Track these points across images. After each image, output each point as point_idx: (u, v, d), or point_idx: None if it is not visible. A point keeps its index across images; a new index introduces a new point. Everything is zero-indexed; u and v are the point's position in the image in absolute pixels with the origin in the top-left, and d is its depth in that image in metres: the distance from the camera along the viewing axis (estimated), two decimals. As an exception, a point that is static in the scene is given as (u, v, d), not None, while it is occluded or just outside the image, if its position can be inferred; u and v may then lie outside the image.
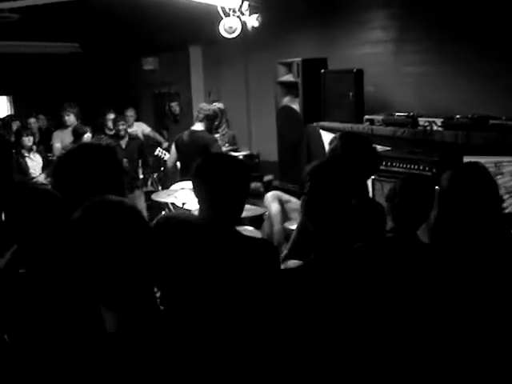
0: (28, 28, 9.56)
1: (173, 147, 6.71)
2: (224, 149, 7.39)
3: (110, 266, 1.53)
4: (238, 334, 2.17)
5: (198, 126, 6.35)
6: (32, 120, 8.67)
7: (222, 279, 2.28)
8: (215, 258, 2.31)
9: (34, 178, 7.47)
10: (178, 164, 6.70)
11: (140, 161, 7.85)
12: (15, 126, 8.55)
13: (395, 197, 2.82)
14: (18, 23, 8.80)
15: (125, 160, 6.87)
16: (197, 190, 2.53)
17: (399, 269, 2.55)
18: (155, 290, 1.83)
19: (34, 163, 7.62)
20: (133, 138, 7.82)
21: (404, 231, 2.75)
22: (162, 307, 1.87)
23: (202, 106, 6.51)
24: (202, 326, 1.77)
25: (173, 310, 1.80)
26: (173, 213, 2.21)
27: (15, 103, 11.71)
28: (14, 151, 7.51)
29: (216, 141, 6.46)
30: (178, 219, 1.92)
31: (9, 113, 11.18)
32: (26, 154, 7.53)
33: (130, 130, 8.87)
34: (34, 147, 7.68)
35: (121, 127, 7.58)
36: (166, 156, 7.53)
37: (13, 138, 8.35)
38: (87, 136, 7.29)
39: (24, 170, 7.42)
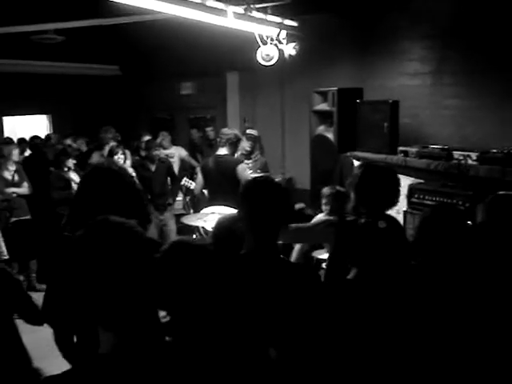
0: (71, 50, 9.80)
1: (199, 174, 6.78)
2: (254, 175, 7.40)
3: (107, 284, 1.53)
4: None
5: (222, 151, 6.41)
6: (80, 141, 9.01)
7: (261, 306, 2.28)
8: (254, 285, 2.32)
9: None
10: (206, 191, 6.77)
11: (169, 180, 7.92)
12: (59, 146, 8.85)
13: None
14: (61, 45, 9.05)
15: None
16: (241, 214, 2.56)
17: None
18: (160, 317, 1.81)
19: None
20: (162, 160, 7.90)
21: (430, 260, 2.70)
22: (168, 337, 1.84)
23: (224, 131, 6.58)
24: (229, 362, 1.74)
25: (185, 340, 1.77)
26: (186, 237, 2.27)
27: (54, 122, 11.97)
28: (52, 169, 7.72)
29: (241, 162, 6.49)
30: (193, 243, 1.94)
31: (48, 131, 11.44)
32: (66, 170, 7.70)
33: (167, 152, 9.00)
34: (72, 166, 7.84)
35: (154, 153, 7.67)
36: (192, 185, 7.60)
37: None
38: (117, 157, 7.48)
39: (69, 183, 7.59)
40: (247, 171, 6.52)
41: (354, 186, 3.48)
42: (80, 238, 1.60)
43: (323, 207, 5.41)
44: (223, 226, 3.28)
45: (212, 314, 1.81)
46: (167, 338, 1.82)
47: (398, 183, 3.48)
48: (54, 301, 2.48)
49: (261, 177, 3.84)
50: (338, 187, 5.48)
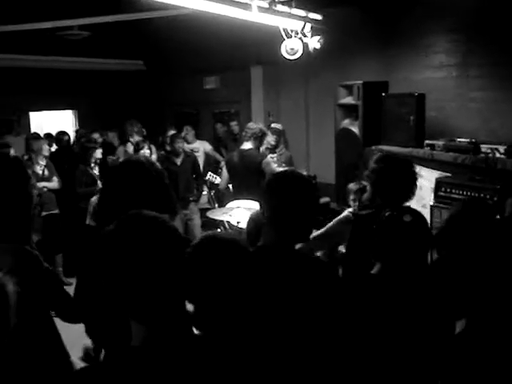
0: (95, 45, 9.87)
1: (224, 169, 6.81)
2: (279, 169, 7.41)
3: (141, 278, 1.54)
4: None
5: (247, 145, 6.44)
6: (112, 135, 9.09)
7: (278, 303, 2.29)
8: (270, 281, 2.33)
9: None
10: (231, 186, 6.80)
11: (194, 176, 7.98)
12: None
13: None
14: (86, 41, 9.11)
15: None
16: (264, 208, 2.56)
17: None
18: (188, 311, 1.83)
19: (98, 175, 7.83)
20: (188, 154, 7.95)
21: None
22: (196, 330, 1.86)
23: (249, 125, 6.61)
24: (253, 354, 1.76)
25: (213, 333, 1.79)
26: (218, 232, 2.29)
27: (80, 117, 12.09)
28: (80, 165, 7.79)
29: (265, 156, 6.50)
30: (224, 238, 1.95)
31: (74, 127, 11.56)
32: (93, 166, 7.76)
33: (191, 146, 9.03)
34: (101, 156, 7.91)
35: (177, 145, 7.72)
36: (217, 180, 7.64)
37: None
38: (143, 152, 7.55)
39: (95, 180, 7.65)
40: (273, 165, 6.52)
41: (372, 178, 3.50)
42: (113, 232, 1.62)
43: (351, 203, 5.35)
44: (256, 221, 3.30)
45: (240, 307, 1.82)
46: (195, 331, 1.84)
47: (414, 175, 3.50)
48: (85, 294, 2.51)
49: (287, 170, 3.85)
50: (364, 182, 5.43)
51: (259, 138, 6.45)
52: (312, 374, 2.26)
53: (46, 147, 7.76)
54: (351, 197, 5.36)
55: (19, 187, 2.60)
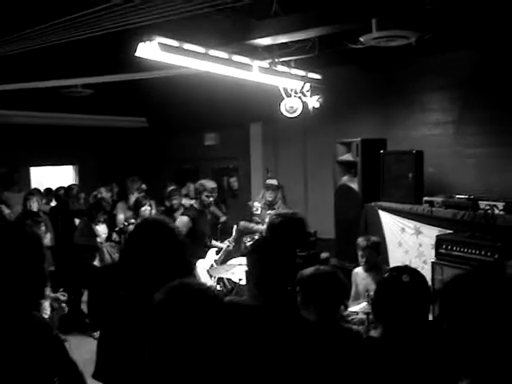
0: (99, 103, 10.02)
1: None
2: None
3: (189, 349, 1.57)
4: None
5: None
6: (103, 190, 9.16)
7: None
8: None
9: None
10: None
11: None
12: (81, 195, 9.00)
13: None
14: (89, 98, 9.26)
15: None
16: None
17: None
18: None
19: (101, 231, 7.80)
20: (187, 208, 7.98)
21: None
22: None
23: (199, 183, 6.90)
24: None
25: None
26: (233, 297, 2.31)
27: (80, 173, 12.18)
28: (85, 218, 7.79)
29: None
30: (238, 304, 1.97)
31: (74, 182, 11.61)
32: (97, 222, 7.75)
33: (192, 202, 9.04)
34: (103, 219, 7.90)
35: (174, 201, 7.82)
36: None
37: (77, 205, 8.70)
38: (144, 209, 7.54)
39: (95, 235, 7.62)
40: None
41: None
42: (163, 304, 1.65)
43: (359, 259, 5.30)
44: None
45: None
46: None
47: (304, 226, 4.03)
48: (110, 361, 2.45)
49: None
50: (372, 238, 5.40)
51: (198, 193, 6.79)
52: None
53: (35, 204, 7.71)
54: (360, 252, 5.31)
55: (32, 254, 2.58)
